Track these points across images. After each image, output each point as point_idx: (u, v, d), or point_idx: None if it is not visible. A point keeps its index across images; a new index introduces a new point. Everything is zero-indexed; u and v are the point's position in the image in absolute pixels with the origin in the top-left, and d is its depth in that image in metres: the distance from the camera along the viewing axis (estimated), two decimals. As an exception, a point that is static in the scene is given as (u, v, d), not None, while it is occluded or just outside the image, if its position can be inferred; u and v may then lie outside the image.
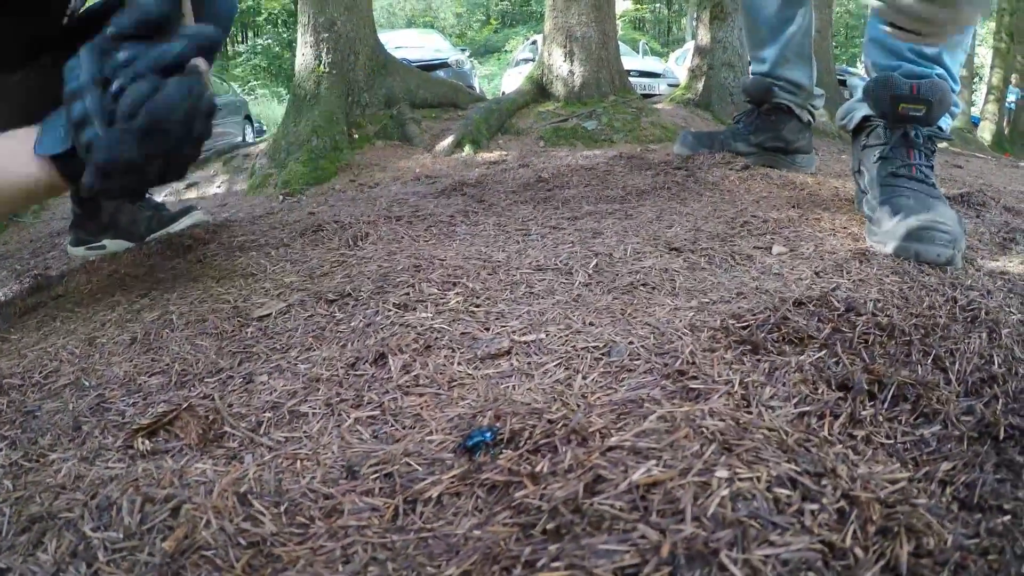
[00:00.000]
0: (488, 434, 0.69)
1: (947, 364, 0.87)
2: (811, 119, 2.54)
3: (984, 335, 0.96)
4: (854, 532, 0.53)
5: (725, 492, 0.54)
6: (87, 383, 0.96)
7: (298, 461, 0.73)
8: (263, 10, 25.61)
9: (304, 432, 0.79)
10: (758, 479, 0.56)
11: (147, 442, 0.79)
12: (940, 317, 0.98)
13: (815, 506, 0.54)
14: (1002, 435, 0.74)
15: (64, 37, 1.57)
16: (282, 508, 0.64)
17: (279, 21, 25.62)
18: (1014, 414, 0.78)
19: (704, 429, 0.64)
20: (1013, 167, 5.03)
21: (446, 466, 0.67)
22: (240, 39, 28.03)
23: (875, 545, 0.53)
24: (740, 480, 0.55)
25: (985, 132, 13.99)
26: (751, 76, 2.51)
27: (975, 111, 15.57)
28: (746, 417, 0.69)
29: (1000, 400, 0.81)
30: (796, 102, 2.47)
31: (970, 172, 3.57)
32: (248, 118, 13.65)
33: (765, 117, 2.48)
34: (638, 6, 32.06)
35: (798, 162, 2.54)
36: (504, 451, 0.68)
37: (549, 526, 0.55)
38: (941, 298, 1.07)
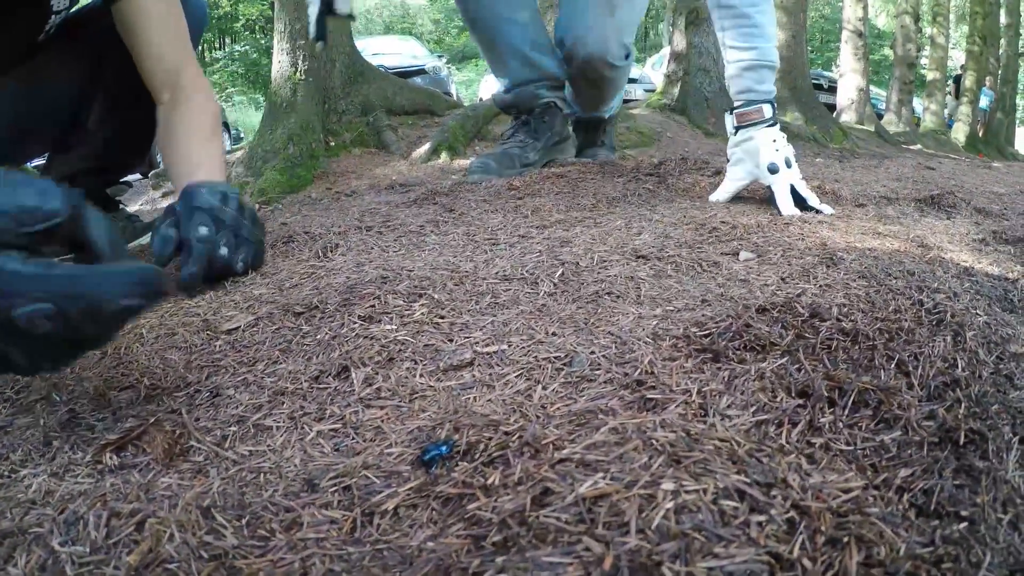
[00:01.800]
0: (444, 447, 0.70)
1: (910, 368, 0.87)
2: (569, 108, 2.83)
3: (949, 338, 0.96)
4: (802, 543, 0.53)
5: (670, 504, 0.54)
6: (58, 398, 0.95)
7: (261, 474, 0.73)
8: (241, 16, 25.53)
9: (268, 446, 0.79)
10: (704, 491, 0.56)
11: (115, 457, 0.79)
12: (905, 321, 0.98)
13: (763, 517, 0.55)
14: (963, 440, 0.74)
15: (49, 41, 1.56)
16: (244, 521, 0.65)
17: (257, 27, 25.56)
18: (976, 418, 0.78)
19: (654, 441, 0.64)
20: (986, 168, 5.08)
21: (403, 479, 0.68)
22: (217, 45, 27.94)
23: (824, 556, 0.53)
24: (686, 492, 0.55)
25: (959, 134, 14.13)
26: (513, 91, 2.68)
27: (945, 112, 15.71)
28: (698, 428, 0.69)
29: (962, 404, 0.81)
30: (560, 96, 2.71)
31: (943, 173, 3.60)
32: (225, 125, 13.59)
33: (539, 120, 2.66)
34: (616, 11, 32.11)
35: (568, 150, 2.84)
36: (460, 463, 0.68)
37: (497, 538, 0.55)
38: (907, 301, 1.07)
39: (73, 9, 1.61)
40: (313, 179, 3.73)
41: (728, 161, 1.97)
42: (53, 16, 1.50)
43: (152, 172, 5.17)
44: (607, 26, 2.46)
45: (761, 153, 1.85)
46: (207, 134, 1.49)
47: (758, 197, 1.94)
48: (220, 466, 0.75)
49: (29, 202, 0.78)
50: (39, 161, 2.00)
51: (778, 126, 1.91)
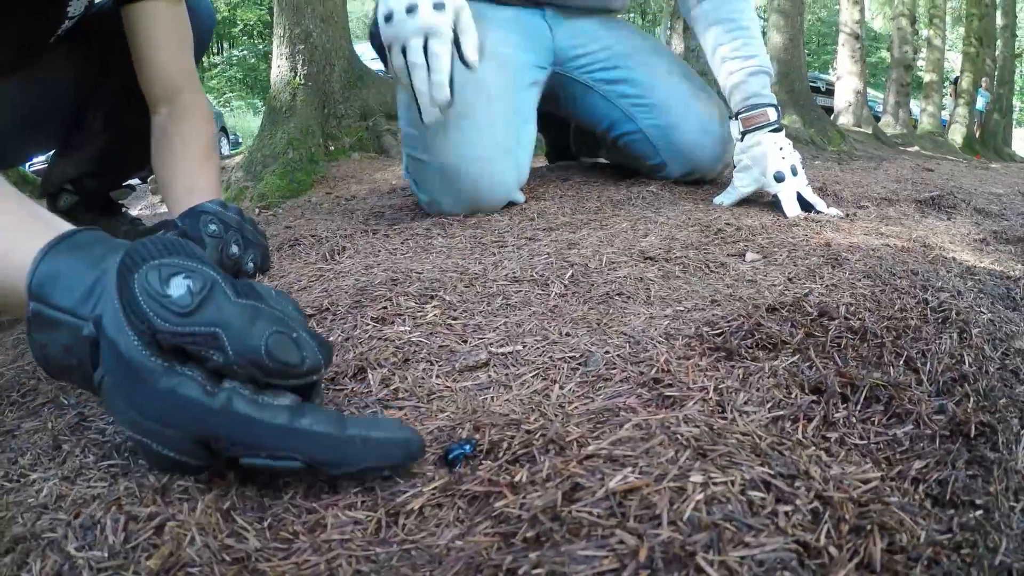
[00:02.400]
0: (468, 446, 0.70)
1: (919, 365, 0.89)
2: None
3: (955, 335, 0.98)
4: (828, 531, 0.55)
5: (700, 496, 0.55)
6: (66, 401, 0.93)
7: (280, 476, 0.73)
8: (239, 21, 25.49)
9: (285, 447, 0.79)
10: (732, 483, 0.57)
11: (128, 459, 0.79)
12: (911, 319, 1.00)
13: (789, 507, 0.56)
14: (973, 432, 0.77)
15: (61, 41, 1.56)
16: (266, 523, 0.65)
17: (255, 32, 25.52)
18: (985, 411, 0.81)
19: (679, 436, 0.65)
20: (984, 169, 5.09)
21: (427, 478, 0.68)
22: (216, 51, 27.89)
23: (849, 543, 0.55)
24: (715, 484, 0.57)
25: (956, 135, 14.17)
26: None
27: (944, 115, 15.78)
28: (720, 423, 0.70)
29: (971, 398, 0.83)
30: None
31: (941, 175, 3.61)
32: (224, 130, 13.59)
33: None
34: (612, 15, 32.15)
35: None
36: (484, 462, 0.69)
37: (529, 534, 0.56)
38: (912, 300, 1.09)
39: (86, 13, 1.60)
40: (313, 183, 3.73)
41: (734, 167, 1.97)
42: (67, 21, 1.51)
43: (152, 177, 5.17)
44: (715, 138, 2.13)
45: (768, 160, 1.84)
46: (204, 155, 1.50)
47: (762, 199, 1.95)
48: (238, 468, 0.75)
49: (287, 356, 0.66)
50: (41, 166, 1.99)
51: (783, 132, 1.91)
